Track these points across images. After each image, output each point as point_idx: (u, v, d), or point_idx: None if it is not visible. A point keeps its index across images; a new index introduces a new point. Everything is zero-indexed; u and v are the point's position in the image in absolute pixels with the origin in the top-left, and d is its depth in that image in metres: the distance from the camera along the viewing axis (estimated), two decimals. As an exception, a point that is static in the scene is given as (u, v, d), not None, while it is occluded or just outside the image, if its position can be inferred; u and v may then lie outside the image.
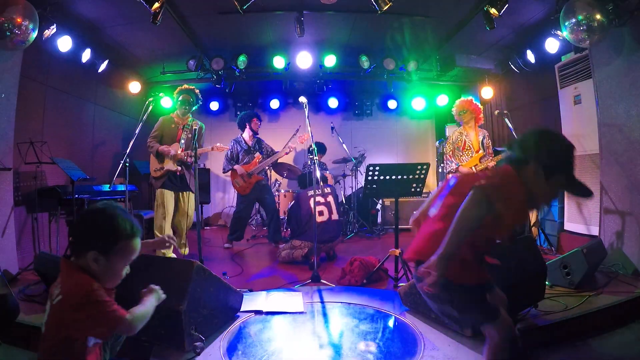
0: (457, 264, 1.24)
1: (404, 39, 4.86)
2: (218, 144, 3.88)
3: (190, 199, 3.85)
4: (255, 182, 4.66)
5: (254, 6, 3.46)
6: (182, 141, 3.75)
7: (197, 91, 3.90)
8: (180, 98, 3.80)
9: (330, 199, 3.96)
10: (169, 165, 3.68)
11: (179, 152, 3.69)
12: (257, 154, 4.75)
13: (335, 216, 3.92)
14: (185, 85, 3.87)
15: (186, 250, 3.90)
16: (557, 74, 4.23)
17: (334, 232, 3.91)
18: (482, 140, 3.82)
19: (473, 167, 3.71)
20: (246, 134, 4.83)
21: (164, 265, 2.02)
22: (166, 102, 6.31)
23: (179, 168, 3.70)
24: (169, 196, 3.70)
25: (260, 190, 4.73)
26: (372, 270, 3.17)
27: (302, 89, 6.23)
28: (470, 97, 3.95)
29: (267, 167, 4.78)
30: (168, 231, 3.70)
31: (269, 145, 4.97)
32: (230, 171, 4.73)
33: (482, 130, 3.88)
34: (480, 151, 3.77)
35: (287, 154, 4.74)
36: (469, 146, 3.80)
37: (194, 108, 3.89)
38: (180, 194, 3.80)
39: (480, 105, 3.90)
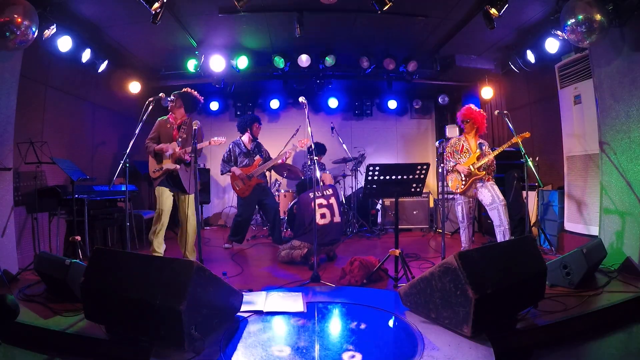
0: None
1: (404, 39, 4.86)
2: (215, 138, 3.74)
3: (189, 200, 3.73)
4: (255, 184, 4.65)
5: (254, 6, 3.46)
6: (179, 140, 3.74)
7: (194, 93, 3.82)
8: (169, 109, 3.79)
9: (332, 200, 3.93)
10: (168, 164, 3.67)
11: (176, 150, 3.68)
12: (258, 157, 4.74)
13: (337, 219, 3.90)
14: (187, 89, 3.80)
15: (194, 256, 3.73)
16: (557, 74, 4.23)
17: (335, 235, 3.89)
18: (481, 147, 3.85)
19: (471, 166, 3.74)
20: (245, 138, 4.80)
21: (164, 265, 2.02)
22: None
23: (177, 166, 3.69)
24: (166, 192, 3.68)
25: (260, 192, 4.71)
26: (372, 270, 3.17)
27: (302, 89, 6.22)
28: (473, 106, 3.95)
29: (266, 170, 4.77)
30: (162, 235, 3.67)
31: (267, 150, 4.96)
32: (228, 173, 4.71)
33: (483, 140, 3.92)
34: (478, 151, 3.80)
35: (284, 161, 4.68)
36: (467, 149, 3.88)
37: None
38: (179, 195, 3.76)
39: (484, 113, 3.91)
